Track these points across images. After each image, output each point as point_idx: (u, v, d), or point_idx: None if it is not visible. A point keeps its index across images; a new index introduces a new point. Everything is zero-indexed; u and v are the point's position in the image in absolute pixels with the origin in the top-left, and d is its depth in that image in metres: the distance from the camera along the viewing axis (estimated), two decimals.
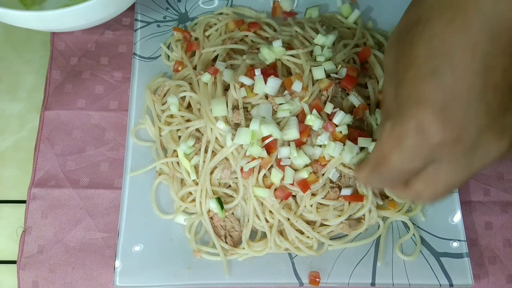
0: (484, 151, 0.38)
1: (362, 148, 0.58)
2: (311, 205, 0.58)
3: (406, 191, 0.45)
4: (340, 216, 0.59)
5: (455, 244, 0.60)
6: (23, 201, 0.64)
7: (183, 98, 0.64)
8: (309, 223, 0.59)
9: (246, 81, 0.59)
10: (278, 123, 0.58)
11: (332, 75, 0.61)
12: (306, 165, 0.58)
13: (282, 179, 0.57)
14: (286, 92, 0.60)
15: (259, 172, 0.58)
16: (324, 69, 0.60)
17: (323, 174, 0.59)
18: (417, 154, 0.39)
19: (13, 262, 0.62)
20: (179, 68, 0.66)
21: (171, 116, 0.64)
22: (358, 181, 0.56)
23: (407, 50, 0.39)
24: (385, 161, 0.42)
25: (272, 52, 0.62)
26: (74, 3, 0.53)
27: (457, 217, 0.61)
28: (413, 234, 0.60)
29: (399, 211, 0.61)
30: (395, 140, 0.40)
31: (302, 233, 0.59)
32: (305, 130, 0.58)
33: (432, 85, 0.36)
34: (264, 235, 0.60)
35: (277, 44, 0.62)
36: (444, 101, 0.36)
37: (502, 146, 0.38)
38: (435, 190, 0.43)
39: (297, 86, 0.59)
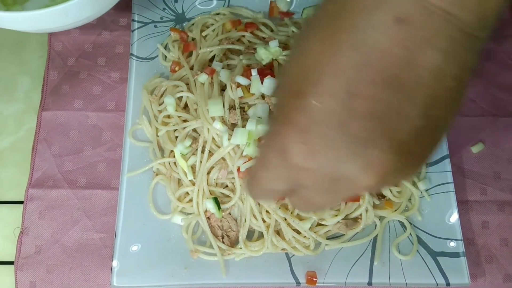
0: (348, 183, 0.35)
1: None
2: None
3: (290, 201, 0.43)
4: (337, 215, 0.59)
5: (452, 243, 0.60)
6: (21, 202, 0.64)
7: (180, 98, 0.64)
8: (302, 219, 0.59)
9: (243, 81, 0.59)
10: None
11: None
12: None
13: None
14: None
15: None
16: None
17: None
18: (280, 175, 0.37)
19: (11, 262, 0.62)
20: (176, 69, 0.66)
21: (168, 116, 0.64)
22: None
23: (287, 64, 0.37)
24: (254, 177, 0.39)
25: (268, 52, 0.62)
26: (56, 3, 0.53)
27: (454, 216, 0.61)
28: (410, 234, 0.60)
29: (395, 210, 0.61)
30: (261, 156, 0.38)
31: (299, 233, 0.59)
32: None
33: (297, 106, 0.33)
34: (261, 235, 0.60)
35: (274, 44, 0.62)
36: (307, 124, 0.33)
37: (366, 180, 0.33)
38: (308, 208, 0.43)
39: None
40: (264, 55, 0.62)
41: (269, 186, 0.39)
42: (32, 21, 0.54)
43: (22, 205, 0.63)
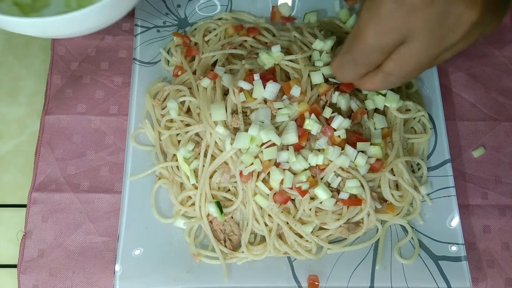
0: (456, 19, 0.40)
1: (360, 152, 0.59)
2: (310, 209, 0.59)
3: (377, 75, 0.48)
4: (338, 220, 0.59)
5: (453, 247, 0.60)
6: (24, 205, 0.64)
7: (183, 102, 0.64)
8: (304, 223, 0.60)
9: (245, 85, 0.60)
10: (276, 128, 0.59)
11: (330, 79, 0.61)
12: (305, 169, 0.58)
13: (281, 183, 0.57)
14: (284, 96, 0.60)
15: (258, 177, 0.58)
16: (323, 74, 0.61)
17: (321, 178, 0.59)
18: (392, 24, 0.41)
19: (14, 266, 0.62)
20: (179, 73, 0.66)
21: (171, 120, 0.64)
22: (332, 71, 0.54)
23: None
24: (361, 35, 0.44)
25: (271, 57, 0.63)
26: (71, 10, 0.54)
27: (455, 220, 0.61)
28: (412, 238, 0.61)
29: (397, 214, 0.61)
30: (372, 11, 0.42)
31: (301, 236, 0.59)
32: (303, 134, 0.58)
33: None
34: (263, 239, 0.60)
35: (276, 49, 0.63)
36: None
37: (472, 15, 0.40)
38: (405, 69, 0.46)
39: (295, 91, 0.59)
40: (266, 60, 0.63)
41: (378, 41, 0.43)
42: (50, 27, 0.56)
43: (25, 208, 0.64)
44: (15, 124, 0.69)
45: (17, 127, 0.69)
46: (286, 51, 0.65)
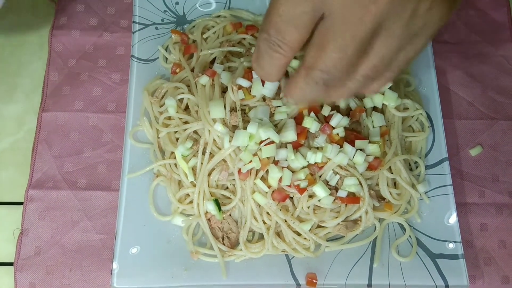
0: None
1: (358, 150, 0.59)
2: (308, 207, 0.59)
3: (298, 73, 0.42)
4: (337, 217, 0.59)
5: (450, 245, 0.60)
6: (20, 203, 0.64)
7: (181, 100, 0.64)
8: (302, 220, 0.60)
9: (244, 83, 0.59)
10: (275, 125, 0.59)
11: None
12: (303, 167, 0.58)
13: (280, 180, 0.57)
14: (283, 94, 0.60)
15: (256, 174, 0.58)
16: None
17: (320, 176, 0.59)
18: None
19: (10, 264, 0.62)
20: (177, 70, 0.66)
21: (169, 118, 0.64)
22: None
23: None
24: (273, 5, 0.39)
25: None
26: None
27: (453, 218, 0.61)
28: (409, 236, 0.61)
29: (395, 212, 0.62)
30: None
31: (299, 234, 0.59)
32: (302, 132, 0.58)
33: None
34: (261, 237, 0.60)
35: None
36: None
37: None
38: (326, 57, 0.39)
39: None
40: None
41: (290, 11, 0.37)
42: None
43: (22, 206, 0.63)
44: (12, 121, 0.69)
45: (14, 124, 0.69)
46: None
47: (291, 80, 0.45)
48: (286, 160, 0.58)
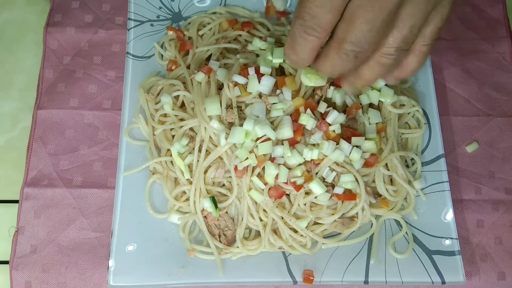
0: None
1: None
2: (305, 204, 0.59)
3: (330, 46, 0.44)
4: (333, 214, 0.59)
5: (447, 242, 0.60)
6: (16, 201, 0.63)
7: (177, 97, 0.64)
8: (299, 217, 0.59)
9: (240, 80, 0.59)
10: (271, 122, 0.59)
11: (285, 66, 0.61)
12: (300, 164, 0.58)
13: (276, 177, 0.57)
14: (279, 91, 0.60)
15: (253, 171, 0.58)
16: None
17: (316, 173, 0.59)
18: None
19: (6, 262, 0.61)
20: (173, 67, 0.66)
21: (165, 115, 0.64)
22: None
23: None
24: None
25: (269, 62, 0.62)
26: None
27: (449, 215, 0.61)
28: (406, 232, 0.61)
29: (391, 209, 0.62)
30: None
31: (296, 231, 0.59)
32: (298, 129, 0.58)
33: None
34: (258, 234, 0.60)
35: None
36: None
37: None
38: (356, 30, 0.41)
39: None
40: (260, 43, 0.63)
41: None
42: None
43: (17, 204, 0.63)
44: (7, 119, 0.68)
45: (9, 122, 0.68)
46: (281, 45, 0.64)
47: (322, 53, 0.46)
48: (283, 157, 0.58)
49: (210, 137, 0.60)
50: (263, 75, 0.59)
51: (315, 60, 0.46)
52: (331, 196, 0.59)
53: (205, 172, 0.60)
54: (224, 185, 0.61)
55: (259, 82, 0.59)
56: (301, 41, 0.44)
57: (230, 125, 0.59)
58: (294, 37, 0.45)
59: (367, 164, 0.60)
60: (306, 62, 0.47)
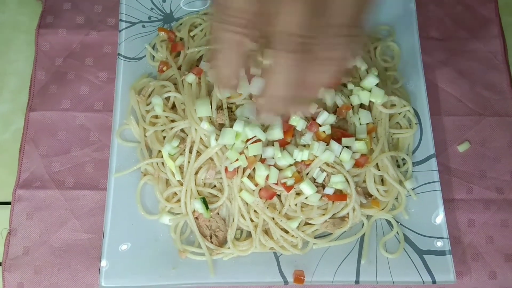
0: None
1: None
2: (296, 204, 0.59)
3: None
4: (324, 215, 0.59)
5: (438, 241, 0.60)
6: (8, 203, 0.64)
7: (168, 98, 0.64)
8: (290, 218, 0.60)
9: None
10: (262, 124, 0.59)
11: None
12: (290, 165, 0.58)
13: (267, 178, 0.57)
14: None
15: (243, 172, 0.58)
16: None
17: (307, 174, 0.59)
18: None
19: None
20: (164, 69, 0.66)
21: (156, 116, 0.64)
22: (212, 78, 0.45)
23: None
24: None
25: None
26: None
27: (440, 215, 0.61)
28: (397, 232, 0.61)
29: (382, 209, 0.62)
30: None
31: (287, 232, 0.59)
32: (289, 130, 0.58)
33: None
34: (249, 235, 0.60)
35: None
36: None
37: None
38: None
39: None
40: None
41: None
42: None
43: (9, 206, 0.63)
44: None
45: (1, 124, 0.68)
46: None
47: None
48: (273, 158, 0.58)
49: (200, 138, 0.60)
50: (253, 76, 0.59)
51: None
52: (321, 197, 0.59)
53: (196, 173, 0.60)
54: (215, 186, 0.61)
55: (249, 83, 0.59)
56: (224, 43, 0.38)
57: (221, 126, 0.59)
58: (215, 43, 0.38)
59: (357, 165, 0.60)
60: (233, 74, 0.40)
